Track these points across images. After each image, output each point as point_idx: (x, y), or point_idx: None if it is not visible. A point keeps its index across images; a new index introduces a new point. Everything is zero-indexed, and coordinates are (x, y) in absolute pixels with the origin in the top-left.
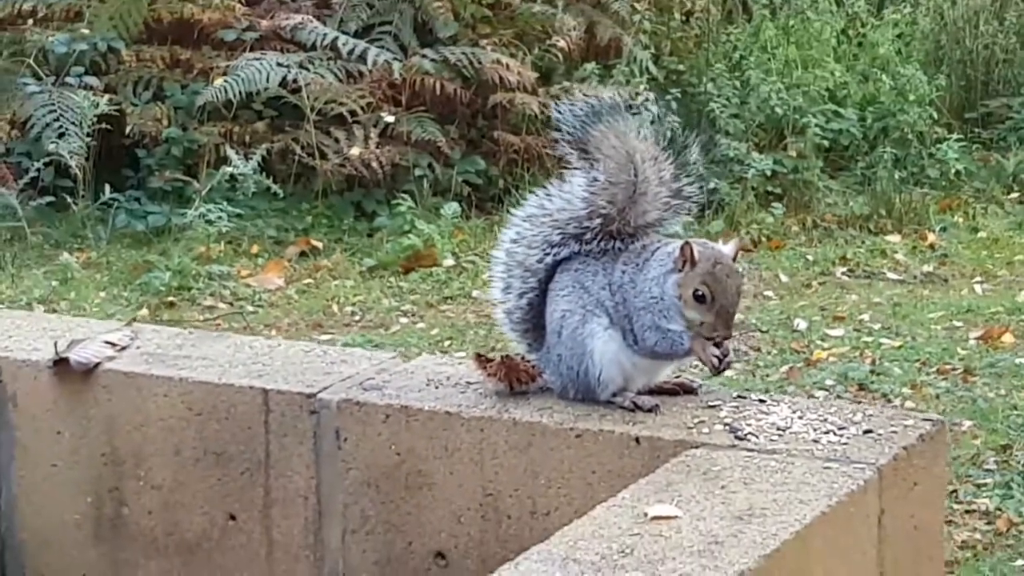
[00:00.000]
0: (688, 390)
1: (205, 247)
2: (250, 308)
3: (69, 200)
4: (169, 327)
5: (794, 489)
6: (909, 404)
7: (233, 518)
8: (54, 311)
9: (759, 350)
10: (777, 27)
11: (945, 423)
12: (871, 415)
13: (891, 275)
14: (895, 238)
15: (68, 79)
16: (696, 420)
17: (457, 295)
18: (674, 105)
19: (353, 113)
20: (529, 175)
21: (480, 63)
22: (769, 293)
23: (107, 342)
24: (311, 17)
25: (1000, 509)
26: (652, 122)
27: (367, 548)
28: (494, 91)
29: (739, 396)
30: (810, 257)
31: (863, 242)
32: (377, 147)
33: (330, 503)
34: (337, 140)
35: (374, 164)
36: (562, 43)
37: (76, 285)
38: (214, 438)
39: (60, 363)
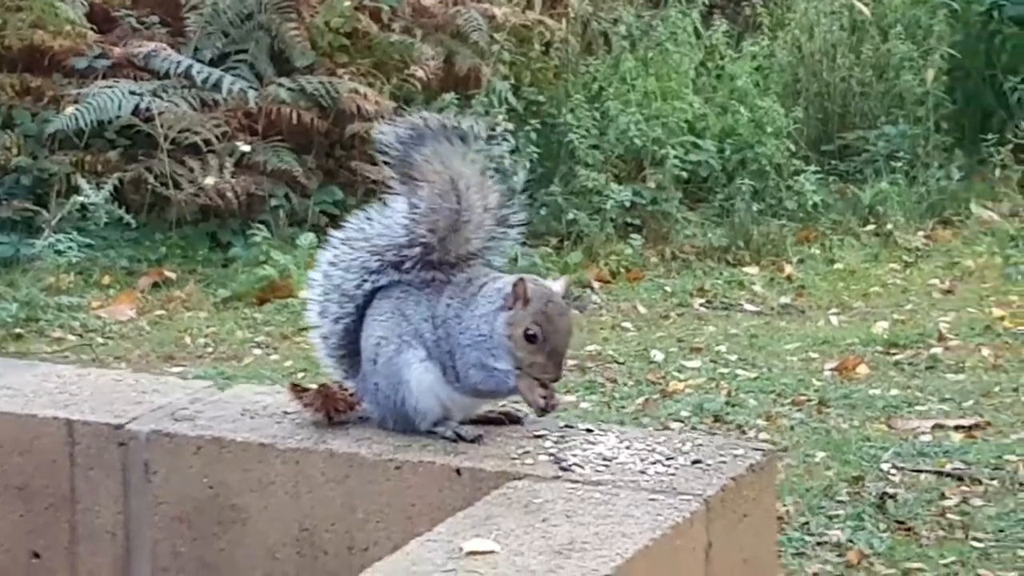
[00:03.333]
0: (513, 419)
1: (55, 278)
2: (100, 340)
3: None
4: None
5: (617, 522)
6: (763, 436)
7: (37, 556)
8: None
9: (615, 381)
10: (637, 59)
11: (775, 453)
12: (700, 445)
13: (748, 306)
14: (753, 270)
15: None
16: (520, 451)
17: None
18: (533, 136)
19: (208, 142)
20: None
21: (337, 92)
22: (627, 324)
23: None
24: (164, 45)
25: (852, 541)
26: (484, 148)
27: None
28: (352, 121)
29: (566, 426)
30: (668, 288)
31: (721, 273)
32: (232, 177)
33: (139, 539)
34: (192, 170)
35: (229, 194)
36: (420, 73)
37: None
38: (16, 471)
39: None
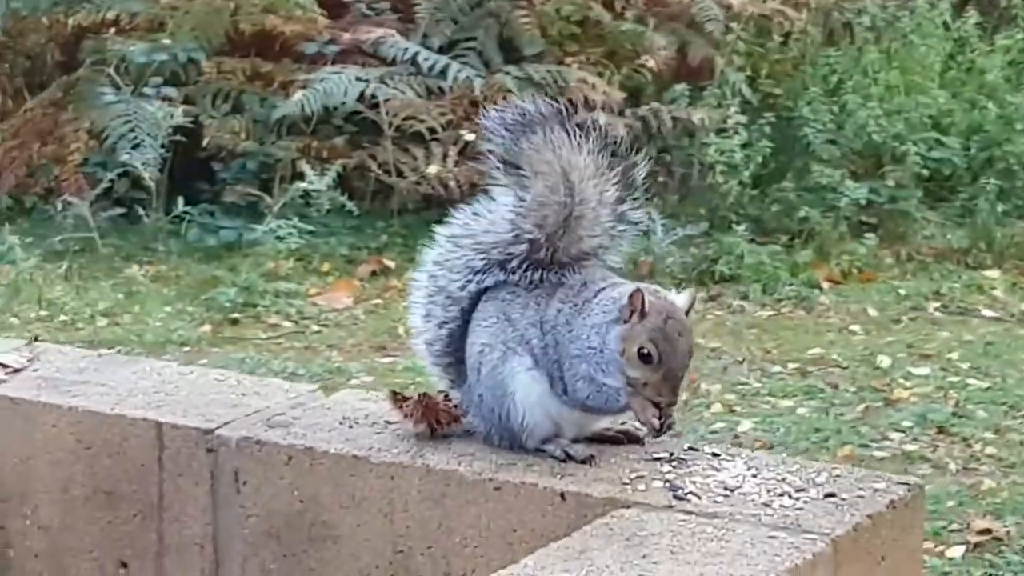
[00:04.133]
0: (632, 439)
1: (274, 264)
2: (315, 327)
3: (141, 212)
4: (77, 349)
5: (728, 561)
6: (990, 450)
7: (125, 565)
8: (117, 325)
9: (836, 387)
10: (880, 51)
11: (922, 488)
12: (837, 476)
13: (987, 312)
14: (994, 273)
15: (146, 89)
16: (634, 475)
17: None
18: (768, 129)
19: (432, 130)
20: None
21: (565, 82)
22: (855, 327)
23: None
24: (393, 31)
25: None
26: (596, 136)
27: None
28: (579, 110)
29: (689, 448)
30: (902, 291)
31: (959, 277)
32: (456, 166)
33: (228, 553)
34: (415, 158)
35: (452, 183)
36: (652, 63)
37: (141, 299)
38: (105, 475)
39: None
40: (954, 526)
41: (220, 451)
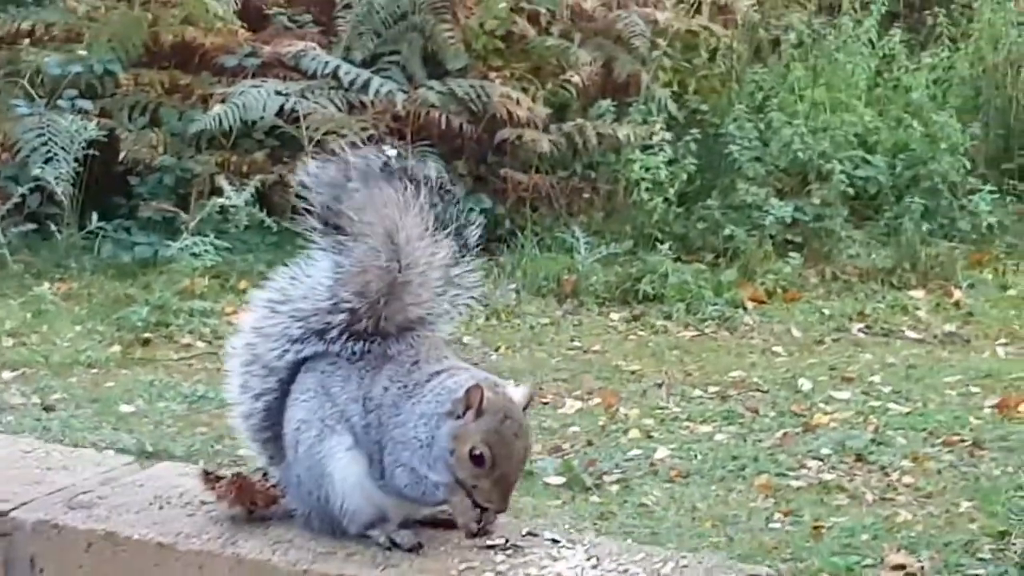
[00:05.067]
0: None
1: (190, 281)
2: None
3: (54, 228)
4: None
5: None
6: (907, 479)
7: None
8: (23, 345)
9: (757, 412)
10: (806, 68)
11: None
12: (684, 567)
13: (910, 334)
14: (919, 293)
15: (61, 102)
16: (463, 565)
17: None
18: (693, 146)
19: (354, 145)
20: (536, 215)
21: (489, 97)
22: (778, 348)
23: None
24: (315, 44)
25: None
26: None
27: None
28: (503, 126)
29: (528, 534)
30: (826, 311)
31: (884, 297)
32: None
33: None
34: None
35: None
36: (577, 78)
37: (50, 318)
38: None
39: None
40: (867, 561)
41: (15, 535)
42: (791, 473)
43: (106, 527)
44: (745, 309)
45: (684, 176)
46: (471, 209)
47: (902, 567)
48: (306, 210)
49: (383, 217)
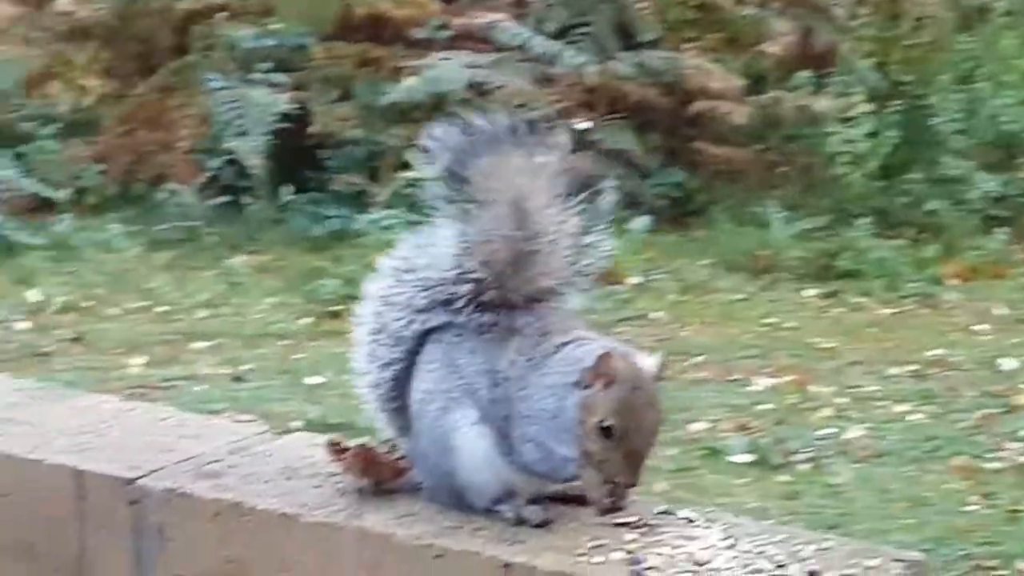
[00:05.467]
0: None
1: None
2: None
3: (247, 200)
4: (21, 379)
5: None
6: None
7: None
8: (216, 316)
9: (955, 391)
10: (1016, 36)
11: (924, 565)
12: (827, 550)
13: None
14: None
15: (254, 75)
16: (592, 543)
17: (636, 316)
18: (895, 119)
19: (545, 119)
20: (730, 189)
21: (682, 69)
22: (980, 327)
23: None
24: (506, 16)
25: None
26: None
27: None
28: (696, 99)
29: (663, 512)
30: None
31: None
32: (569, 156)
33: None
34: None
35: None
36: (774, 49)
37: (243, 289)
38: (25, 527)
39: None
40: None
41: (144, 503)
42: (989, 455)
43: (233, 496)
44: (947, 286)
45: (886, 149)
46: (662, 184)
47: None
48: (431, 176)
49: (511, 183)
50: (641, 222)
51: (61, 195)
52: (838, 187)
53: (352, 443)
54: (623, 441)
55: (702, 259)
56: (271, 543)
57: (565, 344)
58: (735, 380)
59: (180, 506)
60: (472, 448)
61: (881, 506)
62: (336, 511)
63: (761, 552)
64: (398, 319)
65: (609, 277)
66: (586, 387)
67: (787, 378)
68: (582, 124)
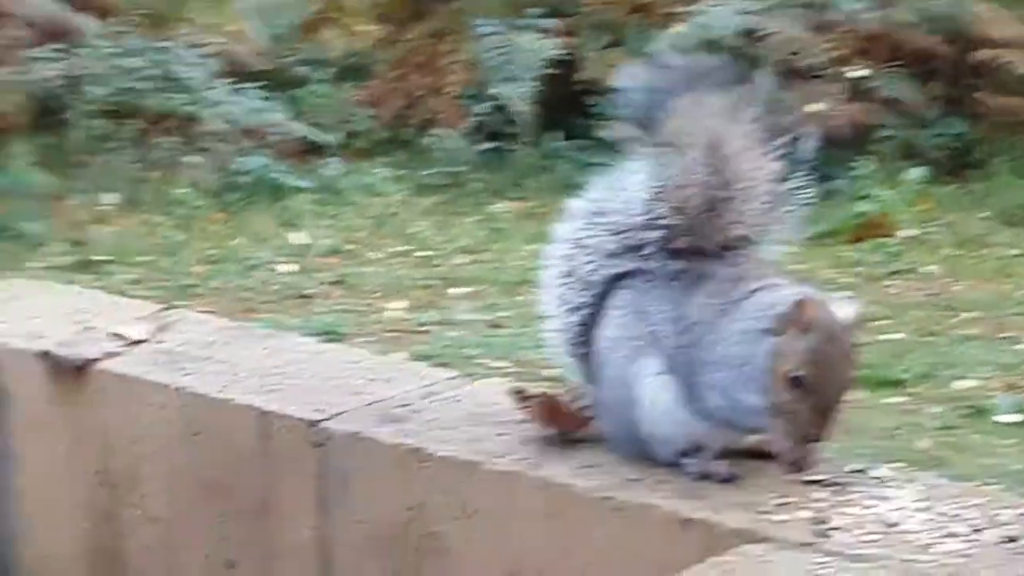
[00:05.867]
0: None
1: None
2: None
3: (513, 146)
4: (217, 319)
5: None
6: None
7: (232, 566)
8: (475, 263)
9: None
10: None
11: None
12: None
13: None
14: None
15: (524, 20)
16: (778, 501)
17: (906, 269)
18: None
19: (819, 66)
20: (1014, 141)
21: (966, 16)
22: None
23: (114, 333)
24: None
25: None
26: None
27: None
28: (980, 47)
29: (855, 470)
30: None
31: None
32: (844, 103)
33: (337, 564)
34: (801, 95)
35: (839, 123)
36: None
37: (505, 236)
38: (213, 466)
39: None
40: None
41: (328, 446)
42: None
43: (415, 442)
44: None
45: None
46: (941, 134)
47: None
48: (626, 116)
49: (708, 127)
50: (917, 173)
51: (330, 139)
52: None
53: (537, 392)
54: (814, 393)
55: (979, 212)
56: (452, 490)
57: (758, 290)
58: (1006, 337)
59: (363, 450)
60: (655, 399)
61: None
62: (518, 460)
63: (957, 515)
64: (588, 263)
65: (880, 229)
66: (779, 334)
67: None
68: (858, 72)
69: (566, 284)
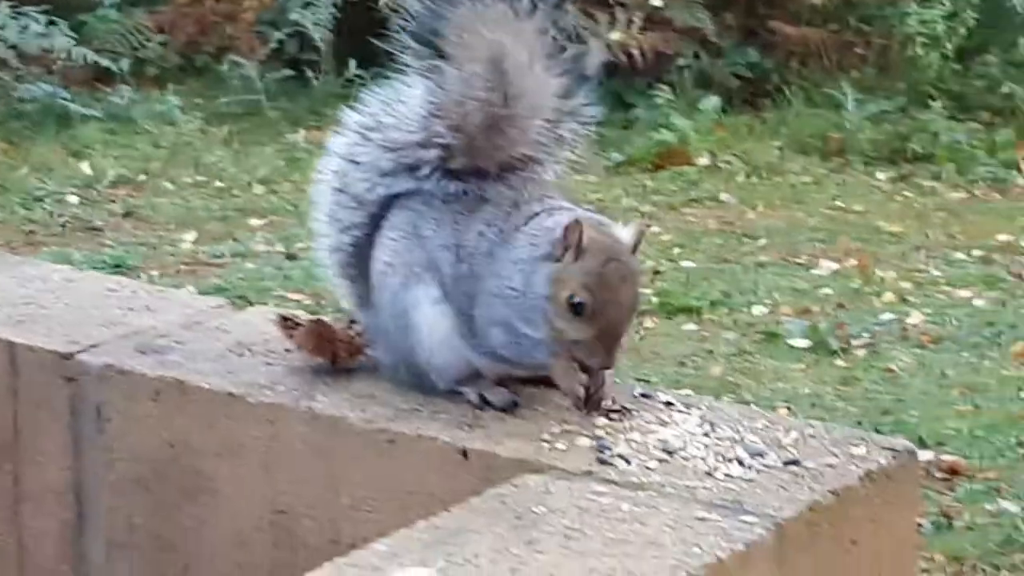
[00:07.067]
0: None
1: None
2: None
3: (311, 74)
4: None
5: (633, 553)
6: None
7: None
8: (274, 193)
9: (1021, 277)
10: None
11: (914, 454)
12: (810, 436)
13: None
14: None
15: None
16: (560, 428)
17: (704, 198)
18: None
19: None
20: (805, 70)
21: None
22: None
23: None
24: None
25: None
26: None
27: (134, 570)
28: None
29: (642, 395)
30: None
31: None
32: (640, 33)
33: (92, 505)
34: (598, 23)
35: (636, 51)
36: None
37: (303, 166)
38: None
39: None
40: None
41: (81, 380)
42: None
43: (176, 374)
44: (1020, 171)
45: (963, 31)
46: (736, 63)
47: None
48: (401, 27)
49: (490, 40)
50: (712, 102)
51: (121, 66)
52: (914, 69)
53: (306, 319)
54: (595, 319)
55: (773, 141)
56: (216, 425)
57: (536, 215)
58: (799, 264)
59: (119, 384)
60: (432, 327)
61: (937, 392)
62: (286, 391)
63: (740, 439)
64: (362, 180)
65: (679, 158)
66: (556, 260)
67: (851, 262)
68: (655, 0)
69: (338, 202)
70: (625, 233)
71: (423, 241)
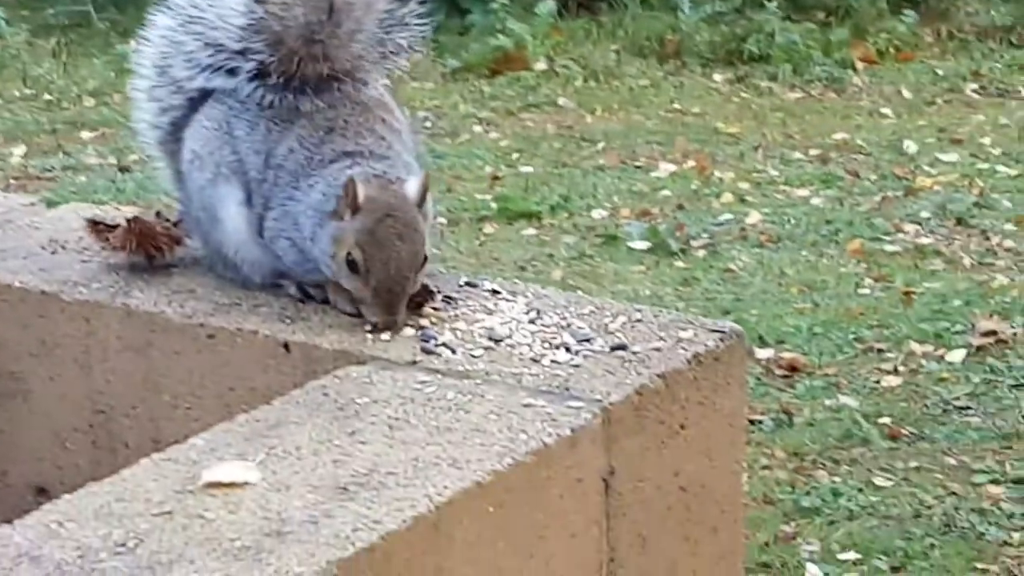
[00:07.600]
0: None
1: None
2: None
3: None
4: None
5: (457, 441)
6: (1008, 243)
7: None
8: (105, 105)
9: (857, 175)
10: None
11: (741, 336)
12: (637, 321)
13: None
14: None
15: None
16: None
17: (542, 103)
18: None
19: None
20: None
21: None
22: (886, 110)
23: None
24: None
25: None
26: None
27: None
28: None
29: (467, 284)
30: (939, 71)
31: (1002, 56)
32: None
33: None
34: None
35: None
36: None
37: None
38: None
39: None
40: (958, 327)
41: None
42: (887, 238)
43: None
44: (855, 70)
45: None
46: None
47: (993, 333)
48: None
49: None
50: (547, 6)
51: None
52: None
53: (119, 220)
54: (370, 276)
55: (610, 44)
56: (29, 324)
57: (344, 156)
58: (638, 167)
59: None
60: (237, 226)
61: (777, 290)
62: (101, 288)
63: (568, 325)
64: (183, 67)
65: (517, 63)
66: (341, 217)
67: (690, 164)
68: None
69: (159, 83)
70: (407, 188)
71: (235, 141)
